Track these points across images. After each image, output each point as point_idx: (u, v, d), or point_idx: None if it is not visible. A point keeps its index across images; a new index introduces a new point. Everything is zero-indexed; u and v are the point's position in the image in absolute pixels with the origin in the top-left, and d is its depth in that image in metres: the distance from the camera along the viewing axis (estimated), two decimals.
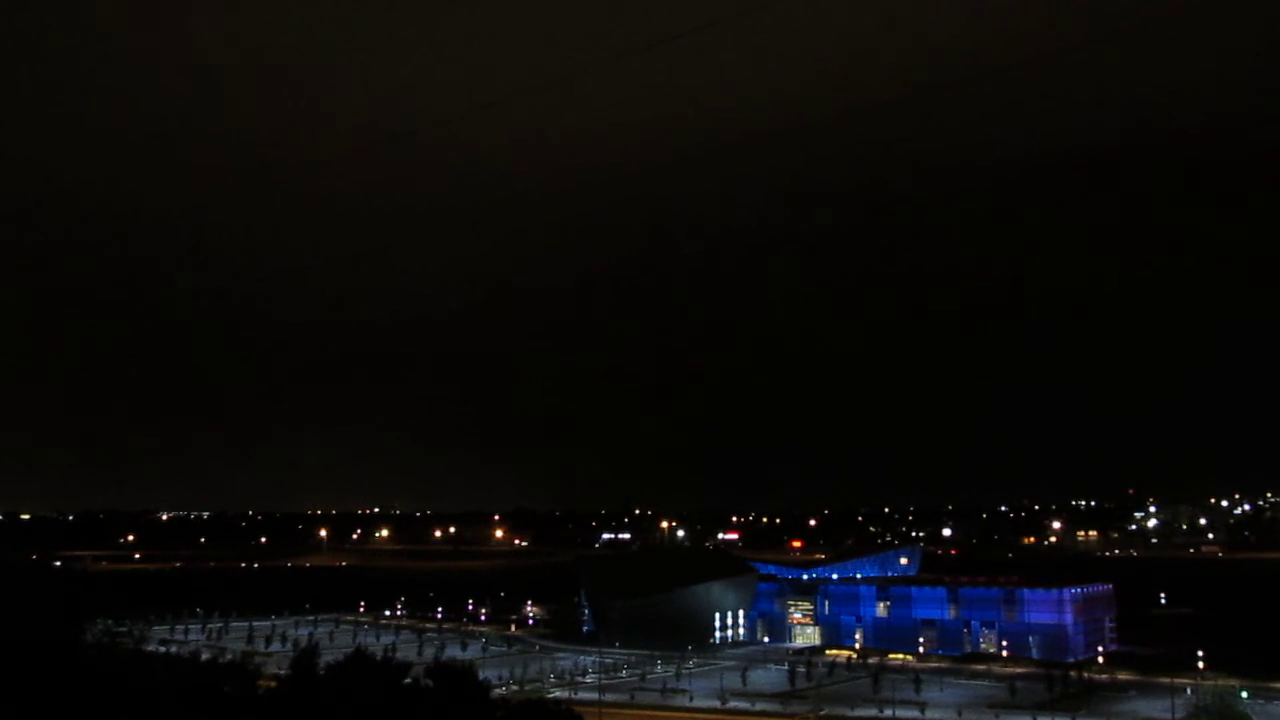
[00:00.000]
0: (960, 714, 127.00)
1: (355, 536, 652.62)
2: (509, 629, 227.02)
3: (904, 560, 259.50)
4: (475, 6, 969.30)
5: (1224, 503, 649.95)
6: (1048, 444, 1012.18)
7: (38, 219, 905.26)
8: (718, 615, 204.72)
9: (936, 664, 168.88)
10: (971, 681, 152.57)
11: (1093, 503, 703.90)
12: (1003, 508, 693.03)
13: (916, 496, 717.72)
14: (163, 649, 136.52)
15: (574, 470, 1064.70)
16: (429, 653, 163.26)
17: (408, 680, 63.86)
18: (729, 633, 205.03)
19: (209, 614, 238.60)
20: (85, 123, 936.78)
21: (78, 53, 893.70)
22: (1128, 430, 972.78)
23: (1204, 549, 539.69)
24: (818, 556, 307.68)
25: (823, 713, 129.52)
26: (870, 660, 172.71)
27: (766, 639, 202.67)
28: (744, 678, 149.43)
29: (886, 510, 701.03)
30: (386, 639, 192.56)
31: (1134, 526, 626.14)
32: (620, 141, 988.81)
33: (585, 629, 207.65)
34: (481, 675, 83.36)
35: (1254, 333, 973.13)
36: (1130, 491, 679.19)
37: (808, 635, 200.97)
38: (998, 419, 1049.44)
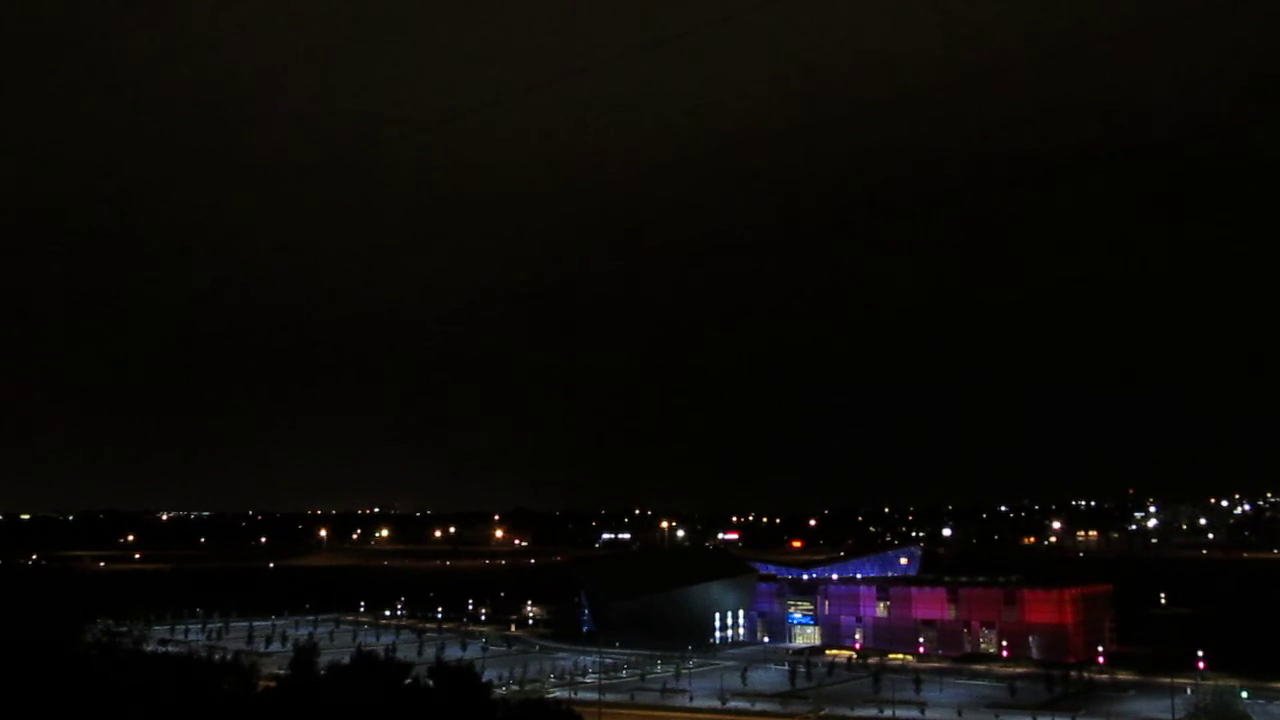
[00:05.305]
0: (960, 714, 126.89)
1: (355, 536, 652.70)
2: (509, 629, 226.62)
3: (904, 560, 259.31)
4: (474, 6, 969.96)
5: (1224, 503, 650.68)
6: (1048, 444, 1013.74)
7: (36, 217, 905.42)
8: (717, 615, 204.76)
9: (936, 664, 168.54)
10: (971, 681, 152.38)
11: (1093, 503, 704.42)
12: (1003, 508, 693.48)
13: (916, 496, 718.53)
14: (163, 649, 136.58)
15: (574, 470, 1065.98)
16: (429, 653, 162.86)
17: (408, 680, 63.91)
18: (729, 633, 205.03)
19: (209, 614, 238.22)
20: (81, 120, 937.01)
21: (76, 51, 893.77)
22: (1128, 430, 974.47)
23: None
24: (818, 557, 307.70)
25: (823, 713, 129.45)
26: (870, 660, 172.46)
27: (766, 639, 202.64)
28: (744, 678, 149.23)
29: (886, 510, 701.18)
30: (386, 639, 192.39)
31: (1134, 526, 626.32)
32: (621, 139, 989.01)
33: (585, 629, 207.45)
34: (482, 675, 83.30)
35: (1254, 332, 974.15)
36: (1130, 491, 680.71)
37: (808, 635, 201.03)
38: (998, 418, 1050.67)
